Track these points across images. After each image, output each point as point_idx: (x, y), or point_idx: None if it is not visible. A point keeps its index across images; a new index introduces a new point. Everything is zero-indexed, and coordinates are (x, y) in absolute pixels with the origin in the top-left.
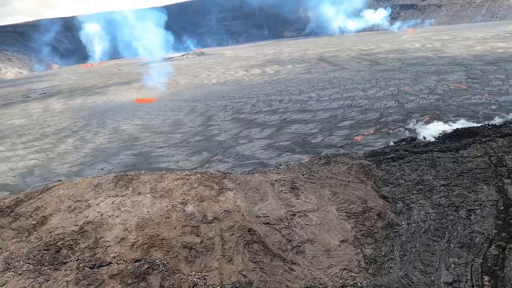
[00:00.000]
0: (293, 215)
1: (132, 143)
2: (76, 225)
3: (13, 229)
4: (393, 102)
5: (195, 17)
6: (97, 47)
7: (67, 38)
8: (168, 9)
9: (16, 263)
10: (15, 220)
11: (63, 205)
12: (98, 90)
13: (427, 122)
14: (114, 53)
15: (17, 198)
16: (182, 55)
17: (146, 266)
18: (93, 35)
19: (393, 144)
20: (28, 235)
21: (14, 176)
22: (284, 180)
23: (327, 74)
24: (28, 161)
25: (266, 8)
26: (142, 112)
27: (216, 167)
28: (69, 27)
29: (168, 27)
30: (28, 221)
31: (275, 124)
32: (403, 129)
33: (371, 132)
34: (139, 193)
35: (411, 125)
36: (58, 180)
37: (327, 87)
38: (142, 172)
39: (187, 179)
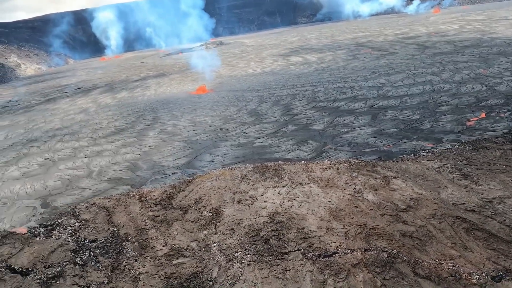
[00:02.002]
0: (489, 201)
1: (223, 134)
2: (260, 216)
3: (192, 221)
4: (479, 85)
5: (205, 6)
6: (112, 40)
7: (79, 32)
8: None
9: (236, 254)
10: (185, 213)
11: (224, 196)
12: (137, 83)
13: None
14: (128, 46)
15: (165, 191)
16: (201, 45)
17: (385, 255)
18: (108, 28)
19: None
20: (215, 227)
21: (122, 170)
22: (449, 167)
23: (378, 59)
24: (123, 155)
25: None
26: (208, 104)
27: (335, 156)
28: (81, 20)
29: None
30: (203, 214)
31: (365, 111)
32: None
33: (482, 116)
34: (300, 183)
35: None
36: (173, 173)
37: (391, 72)
38: (281, 162)
39: (337, 168)
